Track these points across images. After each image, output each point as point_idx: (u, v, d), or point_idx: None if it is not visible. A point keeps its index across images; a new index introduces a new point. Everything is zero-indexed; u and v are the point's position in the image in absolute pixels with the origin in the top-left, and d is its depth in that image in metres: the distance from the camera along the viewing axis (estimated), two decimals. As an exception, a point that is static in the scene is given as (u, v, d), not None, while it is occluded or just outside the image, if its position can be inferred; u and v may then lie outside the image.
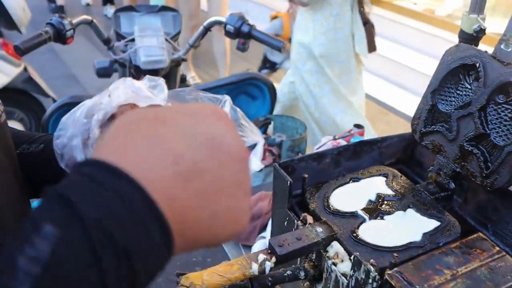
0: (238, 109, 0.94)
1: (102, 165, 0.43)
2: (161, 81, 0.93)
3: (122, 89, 0.86)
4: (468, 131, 1.11)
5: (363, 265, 0.90)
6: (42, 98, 4.16)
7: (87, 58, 5.57)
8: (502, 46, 1.10)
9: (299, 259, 1.15)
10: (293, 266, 1.10)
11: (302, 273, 1.08)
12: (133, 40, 2.31)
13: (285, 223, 1.18)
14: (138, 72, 2.25)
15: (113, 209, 0.41)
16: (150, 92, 0.89)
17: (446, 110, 1.17)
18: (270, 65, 3.74)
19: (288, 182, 1.11)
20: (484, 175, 1.07)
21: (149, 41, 2.28)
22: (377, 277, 0.88)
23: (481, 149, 1.09)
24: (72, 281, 0.39)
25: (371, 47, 3.28)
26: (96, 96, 0.87)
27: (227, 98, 0.94)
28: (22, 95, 3.96)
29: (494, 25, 1.24)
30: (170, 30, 2.41)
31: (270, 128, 2.38)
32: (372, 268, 0.89)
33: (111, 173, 0.43)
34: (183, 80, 2.58)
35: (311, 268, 1.09)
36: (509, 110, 1.06)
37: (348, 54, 3.24)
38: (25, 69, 3.86)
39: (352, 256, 0.95)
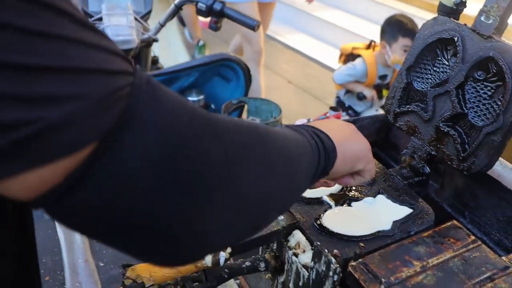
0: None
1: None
2: None
3: None
4: (444, 110, 1.04)
5: (323, 256, 0.82)
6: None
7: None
8: (482, 18, 1.01)
9: (261, 249, 1.07)
10: (253, 257, 1.02)
11: (262, 265, 1.00)
12: (100, 19, 2.21)
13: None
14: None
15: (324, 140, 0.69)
16: None
17: (422, 88, 1.09)
18: (354, 114, 3.22)
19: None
20: (461, 158, 0.99)
21: (117, 20, 2.18)
22: (338, 269, 0.80)
23: (458, 130, 1.01)
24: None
25: None
26: None
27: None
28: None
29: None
30: (140, 9, 2.30)
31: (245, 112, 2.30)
32: (333, 259, 0.81)
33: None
34: (155, 62, 2.48)
35: (272, 259, 1.01)
36: (489, 88, 0.98)
37: None
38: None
39: (313, 245, 0.87)
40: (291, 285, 0.97)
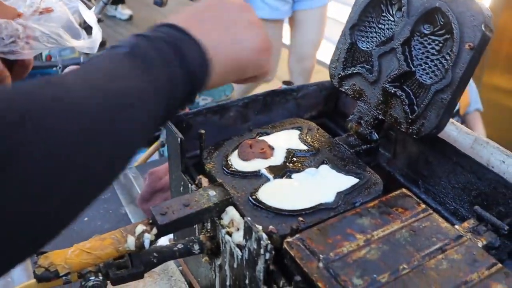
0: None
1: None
2: None
3: None
4: (391, 70, 0.95)
5: (254, 232, 0.73)
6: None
7: None
8: (428, -33, 0.93)
9: (197, 230, 0.98)
10: (186, 238, 0.93)
11: (196, 247, 0.91)
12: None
13: (181, 188, 1.00)
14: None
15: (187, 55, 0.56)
16: None
17: (367, 48, 1.01)
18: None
19: (179, 139, 0.94)
20: (409, 120, 0.91)
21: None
22: (269, 246, 0.71)
23: (405, 91, 0.93)
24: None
25: None
26: None
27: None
28: None
29: None
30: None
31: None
32: (263, 235, 0.72)
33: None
34: (103, 44, 2.36)
35: (207, 240, 0.91)
36: (436, 42, 0.90)
37: None
38: None
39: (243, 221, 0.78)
40: (226, 267, 0.88)
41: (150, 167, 1.59)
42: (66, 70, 1.94)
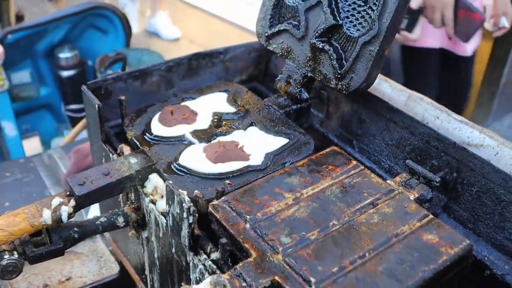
0: None
1: None
2: None
3: None
4: (318, 24, 0.95)
5: (175, 196, 0.73)
6: None
7: None
8: None
9: (122, 202, 0.96)
10: (110, 211, 0.91)
11: (121, 219, 0.90)
12: None
13: (103, 160, 0.98)
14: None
15: None
16: None
17: (293, 3, 1.00)
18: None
19: (97, 106, 0.91)
20: (338, 76, 0.92)
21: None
22: (192, 208, 0.70)
23: (333, 45, 0.93)
24: None
25: None
26: None
27: None
28: None
29: None
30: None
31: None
32: (186, 198, 0.71)
33: None
34: (20, 18, 2.29)
35: (132, 212, 0.90)
36: (363, -8, 0.90)
37: None
38: None
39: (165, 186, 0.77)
40: (153, 238, 0.87)
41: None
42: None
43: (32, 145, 2.32)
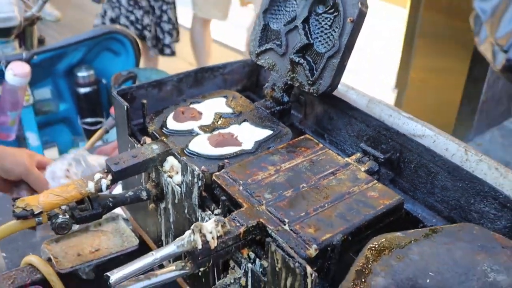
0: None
1: None
2: None
3: None
4: (295, 43, 1.24)
5: (188, 167, 1.01)
6: None
7: None
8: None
9: (143, 181, 1.24)
10: (135, 188, 1.19)
11: (144, 194, 1.18)
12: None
13: (129, 149, 1.26)
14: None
15: None
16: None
17: (277, 27, 1.30)
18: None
19: (125, 107, 1.20)
20: (310, 82, 1.20)
21: (-3, -2, 2.27)
22: (201, 174, 0.98)
23: (307, 59, 1.22)
24: None
25: None
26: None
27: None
28: None
29: None
30: (21, -13, 2.41)
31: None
32: (195, 168, 0.99)
33: None
34: (42, 41, 2.59)
35: (152, 188, 1.18)
36: (328, 19, 1.19)
37: None
38: None
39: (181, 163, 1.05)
40: (169, 206, 1.15)
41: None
42: (10, 65, 2.16)
43: (51, 155, 2.61)
